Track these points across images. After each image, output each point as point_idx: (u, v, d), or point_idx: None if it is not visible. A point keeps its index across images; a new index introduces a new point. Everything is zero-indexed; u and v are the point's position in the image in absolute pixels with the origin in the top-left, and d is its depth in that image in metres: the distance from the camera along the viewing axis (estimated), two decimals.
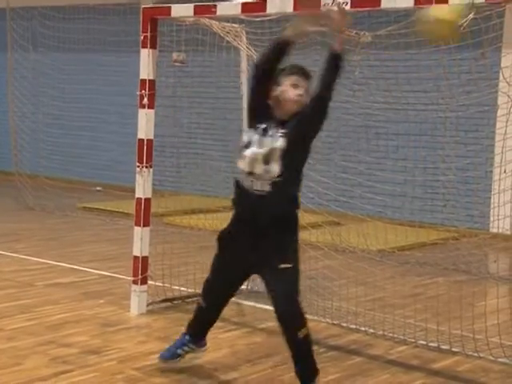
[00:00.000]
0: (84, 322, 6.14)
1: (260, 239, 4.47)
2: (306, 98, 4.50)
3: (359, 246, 8.46)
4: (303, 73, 4.54)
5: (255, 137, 4.46)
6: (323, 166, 8.73)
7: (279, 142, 4.40)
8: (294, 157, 4.43)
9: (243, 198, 4.53)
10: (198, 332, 5.02)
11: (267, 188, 4.40)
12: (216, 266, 4.78)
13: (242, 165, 4.46)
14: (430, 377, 5.23)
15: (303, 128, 4.46)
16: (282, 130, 4.43)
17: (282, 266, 4.43)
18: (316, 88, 4.49)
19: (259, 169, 4.40)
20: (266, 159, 4.39)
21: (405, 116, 10.15)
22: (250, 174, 4.43)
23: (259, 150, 4.40)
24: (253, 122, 4.53)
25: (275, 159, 4.39)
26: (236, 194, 4.59)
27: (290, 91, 4.47)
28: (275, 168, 4.39)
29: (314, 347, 5.64)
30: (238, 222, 4.61)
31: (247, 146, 4.46)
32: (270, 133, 4.44)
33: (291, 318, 4.44)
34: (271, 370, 5.16)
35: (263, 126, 4.46)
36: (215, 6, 5.81)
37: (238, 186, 4.54)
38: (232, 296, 4.97)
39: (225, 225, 4.72)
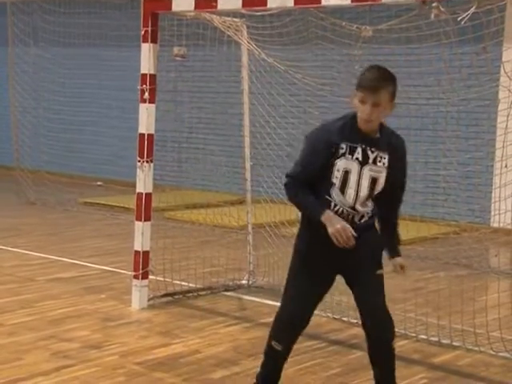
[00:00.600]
0: (85, 317, 6.14)
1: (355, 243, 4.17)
2: (383, 110, 4.11)
3: None
4: (371, 87, 4.04)
5: (354, 166, 4.15)
6: None
7: (380, 184, 4.26)
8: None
9: None
10: None
11: (364, 220, 4.25)
12: (299, 276, 4.30)
13: (343, 199, 4.18)
14: (430, 371, 5.23)
15: (392, 182, 4.36)
16: (380, 156, 4.25)
17: (379, 271, 4.30)
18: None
19: (359, 206, 4.21)
20: (368, 199, 4.24)
21: (406, 110, 10.11)
22: (352, 208, 4.21)
23: (364, 192, 4.19)
24: (335, 151, 4.12)
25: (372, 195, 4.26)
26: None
27: (359, 108, 4.12)
28: (370, 203, 4.27)
29: (316, 342, 5.70)
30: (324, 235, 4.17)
31: (346, 176, 4.14)
32: (364, 159, 4.17)
33: (389, 329, 4.26)
34: None
35: (351, 145, 4.13)
36: (216, 0, 5.80)
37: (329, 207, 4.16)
38: (310, 317, 4.36)
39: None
